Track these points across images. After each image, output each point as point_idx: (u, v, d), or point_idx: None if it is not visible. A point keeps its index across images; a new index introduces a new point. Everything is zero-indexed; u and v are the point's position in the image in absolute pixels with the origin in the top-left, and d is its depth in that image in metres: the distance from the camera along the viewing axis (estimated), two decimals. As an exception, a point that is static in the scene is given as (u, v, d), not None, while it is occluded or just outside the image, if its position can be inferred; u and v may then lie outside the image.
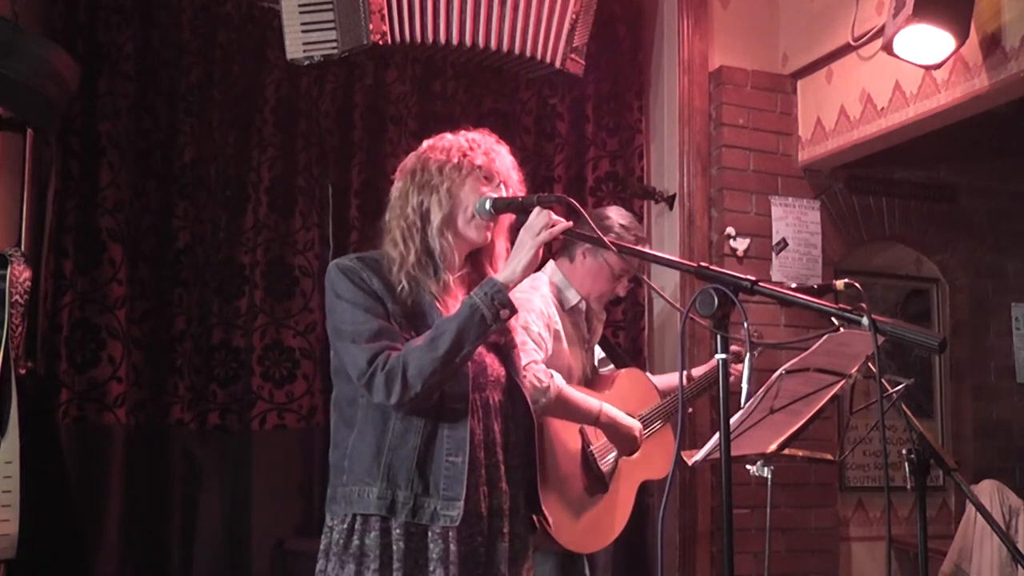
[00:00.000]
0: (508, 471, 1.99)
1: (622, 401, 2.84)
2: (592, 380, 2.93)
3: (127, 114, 3.49)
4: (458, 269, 2.01)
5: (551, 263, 2.92)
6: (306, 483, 3.54)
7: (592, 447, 2.76)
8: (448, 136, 2.05)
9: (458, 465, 1.87)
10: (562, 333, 2.78)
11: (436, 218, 1.95)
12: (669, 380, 3.14)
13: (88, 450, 3.32)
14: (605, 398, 2.80)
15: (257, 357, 3.53)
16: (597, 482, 2.76)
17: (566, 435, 2.73)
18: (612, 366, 3.16)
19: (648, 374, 3.16)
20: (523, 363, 2.62)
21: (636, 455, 2.85)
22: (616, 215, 2.88)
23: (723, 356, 1.63)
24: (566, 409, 2.59)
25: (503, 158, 2.04)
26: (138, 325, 3.46)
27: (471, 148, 2.00)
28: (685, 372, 3.13)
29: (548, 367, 2.60)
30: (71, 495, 3.21)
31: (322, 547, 1.95)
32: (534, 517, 2.09)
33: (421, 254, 1.96)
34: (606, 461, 2.79)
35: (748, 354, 1.63)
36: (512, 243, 1.98)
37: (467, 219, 1.98)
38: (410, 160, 2.06)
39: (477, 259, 2.07)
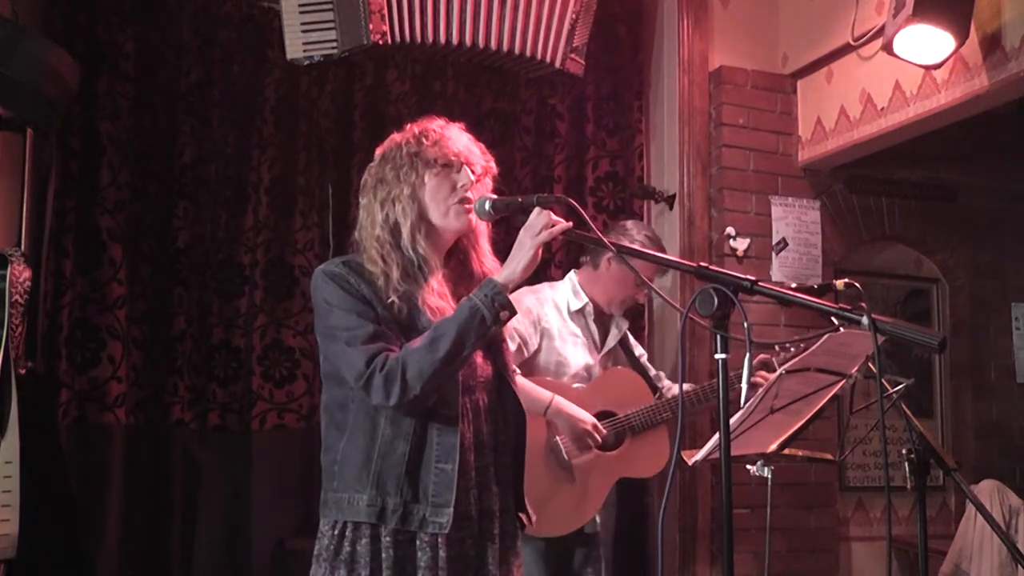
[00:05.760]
0: (499, 471, 1.98)
1: (602, 397, 2.94)
2: (587, 378, 3.01)
3: (127, 114, 3.49)
4: (442, 267, 1.99)
5: (573, 271, 3.10)
6: (306, 483, 3.53)
7: (559, 438, 2.85)
8: (395, 137, 2.02)
9: (448, 472, 1.86)
10: (554, 331, 2.94)
11: (406, 228, 1.93)
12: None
13: (88, 450, 3.32)
14: (582, 392, 2.90)
15: (257, 357, 3.54)
16: (563, 472, 2.84)
17: (531, 424, 2.78)
18: None
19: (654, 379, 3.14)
20: None
21: (617, 452, 2.92)
22: (634, 227, 3.05)
23: (723, 356, 1.63)
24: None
25: (456, 139, 1.99)
26: (138, 325, 3.47)
27: (419, 143, 1.96)
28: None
29: (534, 361, 2.86)
30: (71, 495, 3.20)
31: (315, 552, 1.94)
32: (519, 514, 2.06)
33: (404, 265, 1.92)
34: (578, 453, 2.86)
35: (748, 354, 1.63)
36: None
37: (442, 212, 1.95)
38: (367, 176, 2.02)
39: (462, 250, 2.05)
